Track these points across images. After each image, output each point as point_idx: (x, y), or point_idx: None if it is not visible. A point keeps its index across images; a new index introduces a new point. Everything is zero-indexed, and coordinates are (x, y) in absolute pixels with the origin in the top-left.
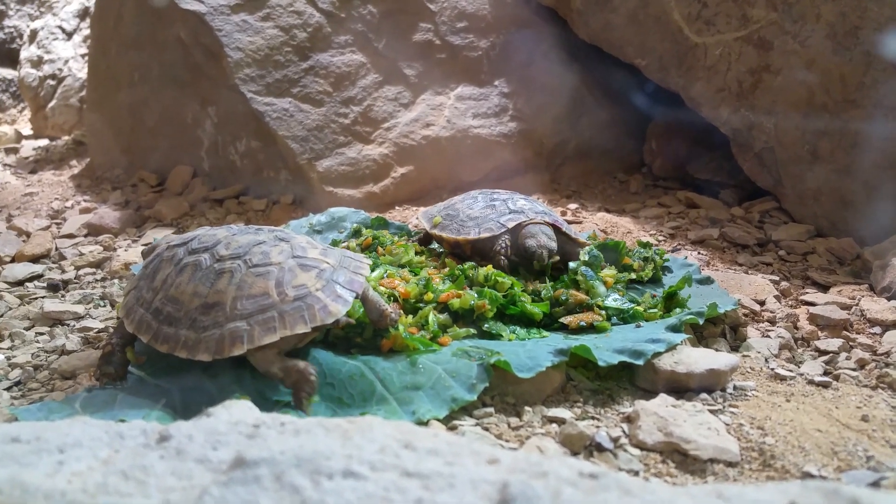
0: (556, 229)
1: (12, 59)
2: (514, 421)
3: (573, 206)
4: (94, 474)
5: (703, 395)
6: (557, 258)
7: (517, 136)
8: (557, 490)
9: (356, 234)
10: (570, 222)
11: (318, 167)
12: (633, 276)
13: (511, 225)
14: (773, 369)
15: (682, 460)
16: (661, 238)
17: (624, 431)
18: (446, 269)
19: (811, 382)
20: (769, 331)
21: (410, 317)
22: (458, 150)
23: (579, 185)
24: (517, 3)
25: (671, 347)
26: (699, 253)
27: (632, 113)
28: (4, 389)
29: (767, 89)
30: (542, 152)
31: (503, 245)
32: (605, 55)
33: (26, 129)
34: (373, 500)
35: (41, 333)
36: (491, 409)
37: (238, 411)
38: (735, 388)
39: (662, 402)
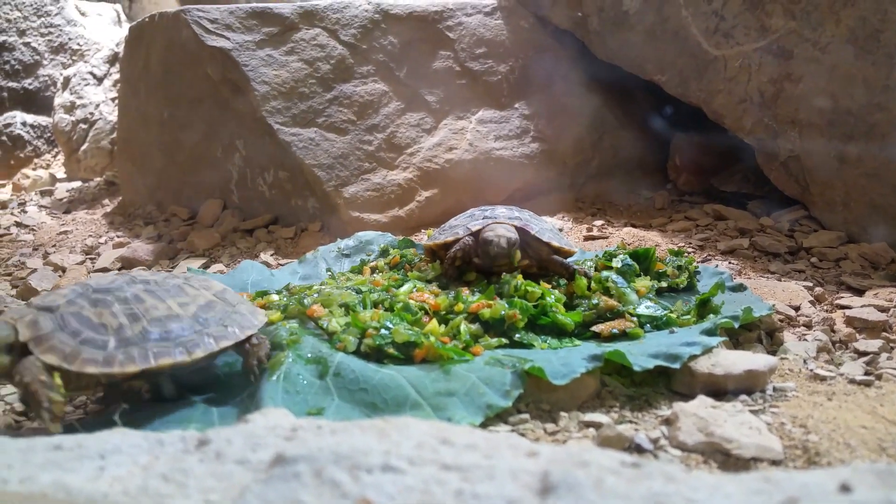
0: (526, 232)
1: (47, 107)
2: (550, 426)
3: (598, 222)
4: (135, 478)
5: (743, 397)
6: (519, 255)
7: (539, 157)
8: (600, 478)
9: (384, 253)
10: (595, 238)
11: (345, 193)
12: (667, 283)
13: (475, 228)
14: (812, 370)
15: (725, 460)
16: (690, 250)
17: (663, 433)
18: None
19: (853, 382)
20: (805, 335)
21: (442, 326)
22: (481, 173)
23: (604, 203)
24: (534, 27)
25: (707, 350)
26: (730, 263)
27: (654, 130)
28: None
29: (790, 98)
30: (565, 172)
31: (460, 247)
32: (624, 73)
33: (60, 173)
34: (413, 492)
35: None
36: (526, 416)
37: (274, 417)
38: (774, 389)
39: (701, 404)
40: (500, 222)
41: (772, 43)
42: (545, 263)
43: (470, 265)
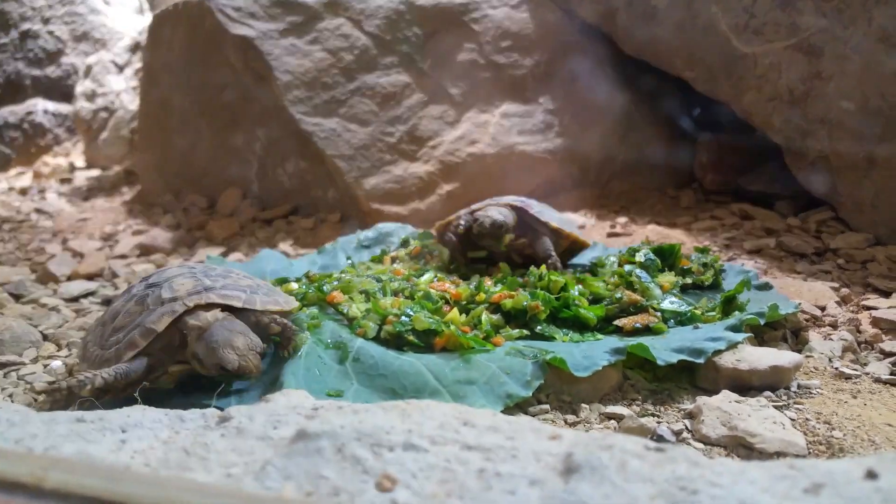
0: (525, 212)
1: (68, 95)
2: (570, 418)
3: (622, 219)
4: (156, 451)
5: (767, 393)
6: (508, 238)
7: (563, 152)
8: (623, 461)
9: (404, 244)
10: (618, 235)
11: (365, 185)
12: (693, 280)
13: (474, 207)
14: (837, 368)
15: (748, 454)
16: (715, 249)
17: (686, 426)
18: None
19: (878, 381)
20: (831, 334)
21: (463, 316)
22: (503, 167)
23: (628, 201)
24: (561, 21)
25: (732, 346)
26: (756, 262)
27: (680, 127)
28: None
29: (820, 97)
30: (588, 168)
31: (455, 224)
32: (651, 69)
33: (79, 161)
34: (435, 470)
35: None
36: (546, 406)
37: (296, 397)
38: (799, 386)
39: (725, 398)
40: (498, 205)
41: (802, 41)
42: (535, 246)
43: (470, 243)
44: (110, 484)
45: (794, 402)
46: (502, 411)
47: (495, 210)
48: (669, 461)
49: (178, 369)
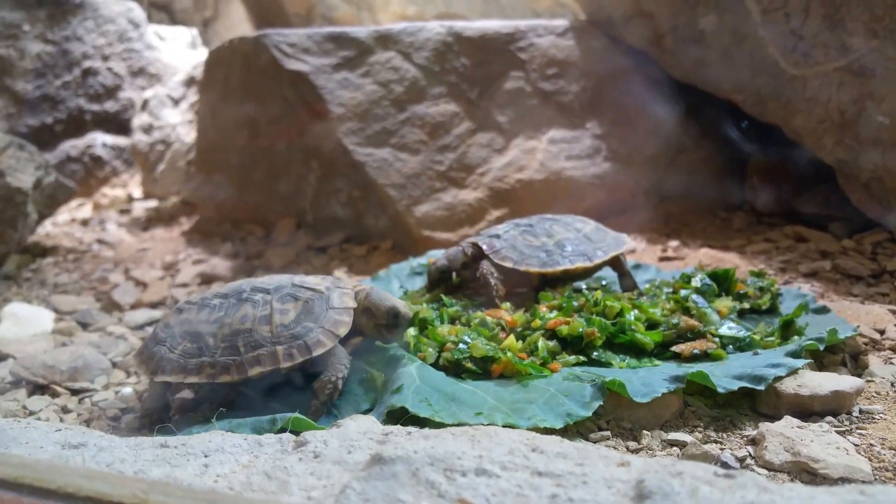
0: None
1: (125, 128)
2: (632, 444)
3: (674, 243)
4: (238, 475)
5: (829, 418)
6: (457, 279)
7: (611, 177)
8: (694, 487)
9: None
10: (670, 259)
11: (416, 212)
12: (749, 304)
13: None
14: None
15: (811, 480)
16: (771, 272)
17: (749, 453)
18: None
19: None
20: (891, 358)
21: (520, 342)
22: (551, 192)
23: (678, 224)
24: (606, 47)
25: (792, 372)
26: (812, 285)
27: (730, 149)
28: (137, 417)
29: (872, 118)
30: (637, 192)
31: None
32: (698, 93)
33: (137, 192)
34: (508, 495)
35: None
36: (608, 433)
37: (364, 423)
38: (861, 411)
39: (787, 424)
40: (460, 245)
41: (853, 62)
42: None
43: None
44: None
45: (857, 428)
46: (562, 434)
47: (451, 252)
48: (739, 487)
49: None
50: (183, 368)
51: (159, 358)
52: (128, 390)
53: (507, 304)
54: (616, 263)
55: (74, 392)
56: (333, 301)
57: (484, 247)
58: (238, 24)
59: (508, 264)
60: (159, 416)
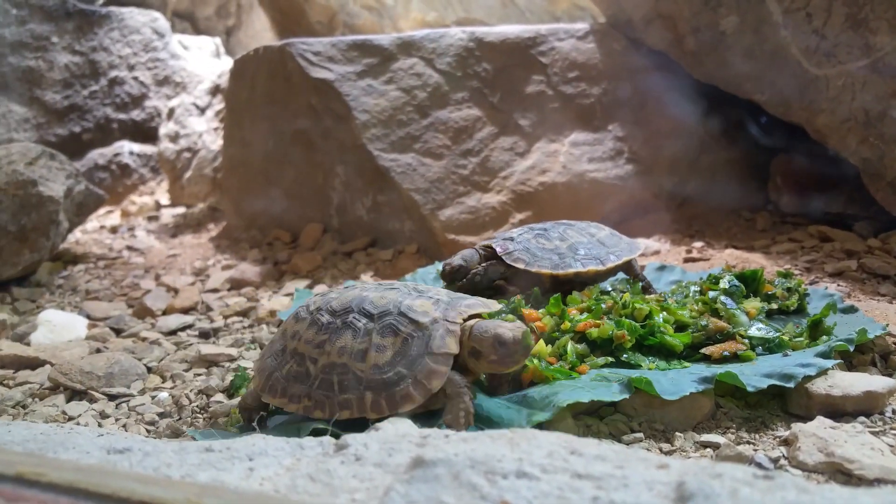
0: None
1: (152, 137)
2: (665, 446)
3: (698, 244)
4: (282, 478)
5: (861, 419)
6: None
7: (634, 179)
8: (735, 489)
9: None
10: (695, 259)
11: (441, 216)
12: (777, 305)
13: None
14: None
15: (847, 480)
16: (797, 272)
17: (783, 454)
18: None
19: None
20: None
21: (549, 346)
22: (574, 195)
23: (702, 225)
24: (627, 50)
25: (822, 372)
26: (838, 285)
27: (752, 149)
28: (173, 421)
29: None
30: (660, 193)
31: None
32: (720, 93)
33: (164, 199)
34: (549, 498)
35: (199, 374)
36: (640, 435)
37: (402, 427)
38: (894, 411)
39: (821, 424)
40: (475, 247)
41: (877, 61)
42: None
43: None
44: None
45: (891, 428)
46: (595, 436)
47: (465, 252)
48: (779, 488)
49: None
50: (285, 393)
51: (269, 374)
52: (164, 395)
53: (541, 310)
54: (629, 268)
55: (112, 397)
56: (434, 344)
57: (497, 249)
58: (261, 32)
59: (521, 265)
60: (256, 413)
